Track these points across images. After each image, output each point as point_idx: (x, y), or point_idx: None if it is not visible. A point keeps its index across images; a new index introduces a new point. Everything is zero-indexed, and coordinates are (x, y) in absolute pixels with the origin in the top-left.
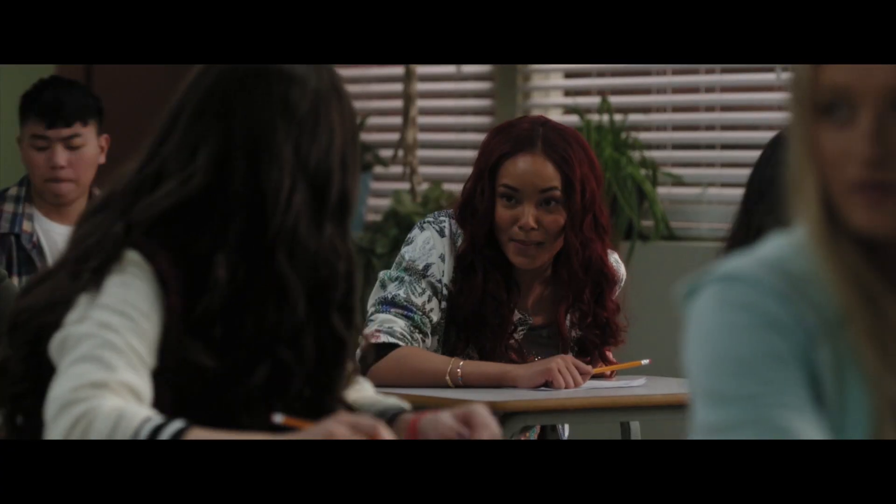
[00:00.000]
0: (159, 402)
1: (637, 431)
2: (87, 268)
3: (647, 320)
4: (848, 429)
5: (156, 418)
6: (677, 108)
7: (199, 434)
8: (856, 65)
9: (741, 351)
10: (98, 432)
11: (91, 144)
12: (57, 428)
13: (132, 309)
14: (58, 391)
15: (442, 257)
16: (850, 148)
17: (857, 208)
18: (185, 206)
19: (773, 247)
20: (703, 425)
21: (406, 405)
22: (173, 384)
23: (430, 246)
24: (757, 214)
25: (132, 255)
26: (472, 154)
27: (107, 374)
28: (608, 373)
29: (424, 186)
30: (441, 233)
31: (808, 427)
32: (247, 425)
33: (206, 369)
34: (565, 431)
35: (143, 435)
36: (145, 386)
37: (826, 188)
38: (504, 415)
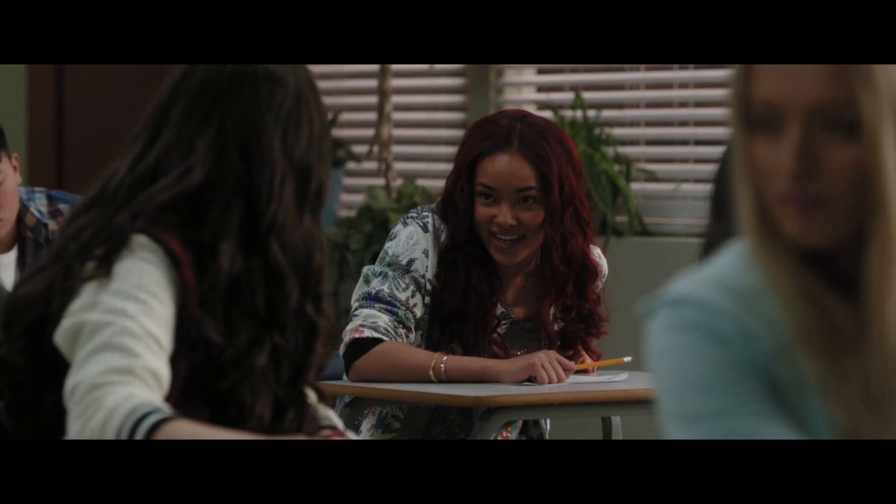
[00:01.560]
0: (175, 379)
1: (618, 426)
2: (92, 257)
3: (622, 315)
4: (815, 436)
5: (142, 408)
6: (651, 104)
7: (180, 426)
8: (784, 79)
9: (699, 370)
10: (96, 423)
11: (10, 176)
12: (77, 408)
13: (144, 293)
14: (83, 376)
15: (425, 252)
16: (778, 161)
17: (788, 219)
18: (186, 197)
19: (724, 262)
20: None
21: (337, 422)
22: (190, 360)
23: (413, 241)
24: (728, 218)
25: (141, 239)
26: (445, 150)
27: (131, 360)
28: (590, 369)
29: (398, 182)
30: (424, 228)
31: (780, 429)
32: (249, 406)
33: (216, 346)
34: (547, 426)
35: (127, 426)
36: (164, 369)
37: (763, 199)
38: (487, 410)
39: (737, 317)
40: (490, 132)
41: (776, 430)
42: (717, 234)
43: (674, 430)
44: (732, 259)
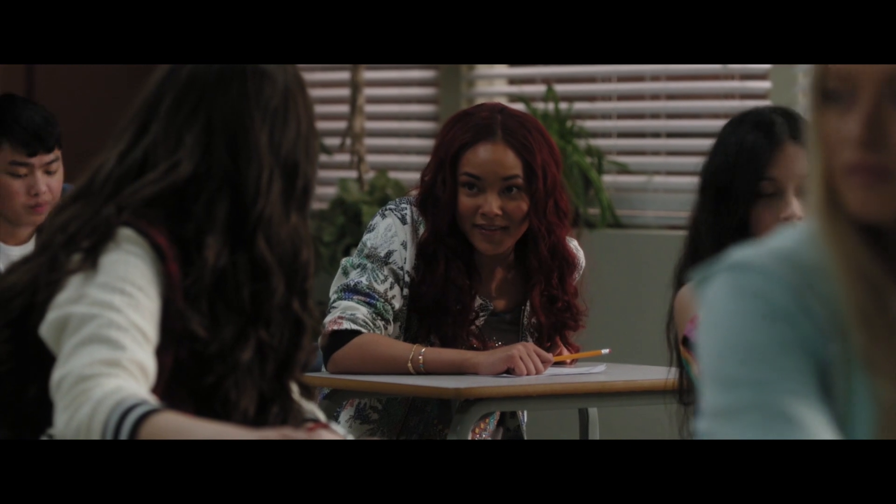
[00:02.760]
0: (160, 372)
1: (595, 418)
2: (78, 249)
3: (595, 307)
4: (854, 422)
5: (129, 400)
6: (622, 97)
7: (167, 419)
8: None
9: (750, 338)
10: (83, 415)
11: (62, 167)
12: (64, 400)
13: (130, 286)
14: (70, 368)
15: (404, 244)
16: (846, 132)
17: (852, 191)
18: (173, 191)
19: (786, 238)
20: (710, 409)
21: (321, 415)
22: (175, 354)
23: (391, 233)
24: (730, 206)
25: (126, 232)
26: (416, 143)
27: (118, 352)
28: (568, 361)
29: (370, 175)
30: (403, 220)
31: (811, 414)
32: (233, 400)
33: (201, 340)
34: (524, 418)
35: (114, 418)
36: (151, 362)
37: (831, 174)
38: (465, 401)
39: (797, 290)
40: (471, 123)
41: (805, 414)
42: (705, 224)
43: (710, 391)
44: (796, 236)
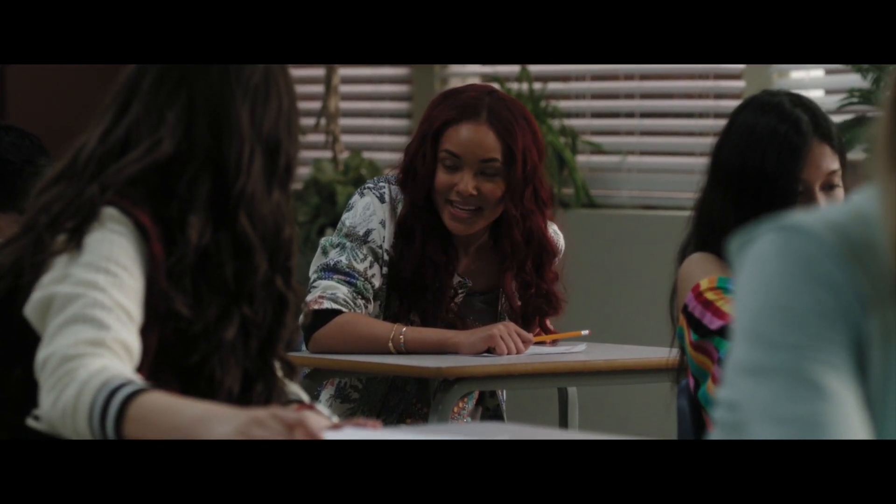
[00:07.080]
0: (145, 351)
1: (574, 397)
2: (62, 229)
3: (569, 286)
4: (888, 401)
5: (115, 380)
6: (596, 77)
7: (154, 398)
8: None
9: (791, 301)
10: (68, 396)
11: None
12: (49, 381)
13: (114, 265)
14: (54, 348)
15: (382, 223)
16: None
17: None
18: (156, 170)
19: (837, 211)
20: (739, 363)
21: (304, 397)
22: (159, 333)
23: (370, 212)
24: (759, 199)
25: (110, 212)
26: (390, 123)
27: (102, 332)
28: (548, 340)
29: (345, 155)
30: (381, 199)
31: (841, 386)
32: (218, 379)
33: (185, 319)
34: (503, 397)
35: (101, 398)
36: (135, 341)
37: None
38: (445, 381)
39: (844, 260)
40: (458, 102)
41: (837, 386)
42: (720, 207)
43: (741, 346)
44: (846, 210)
